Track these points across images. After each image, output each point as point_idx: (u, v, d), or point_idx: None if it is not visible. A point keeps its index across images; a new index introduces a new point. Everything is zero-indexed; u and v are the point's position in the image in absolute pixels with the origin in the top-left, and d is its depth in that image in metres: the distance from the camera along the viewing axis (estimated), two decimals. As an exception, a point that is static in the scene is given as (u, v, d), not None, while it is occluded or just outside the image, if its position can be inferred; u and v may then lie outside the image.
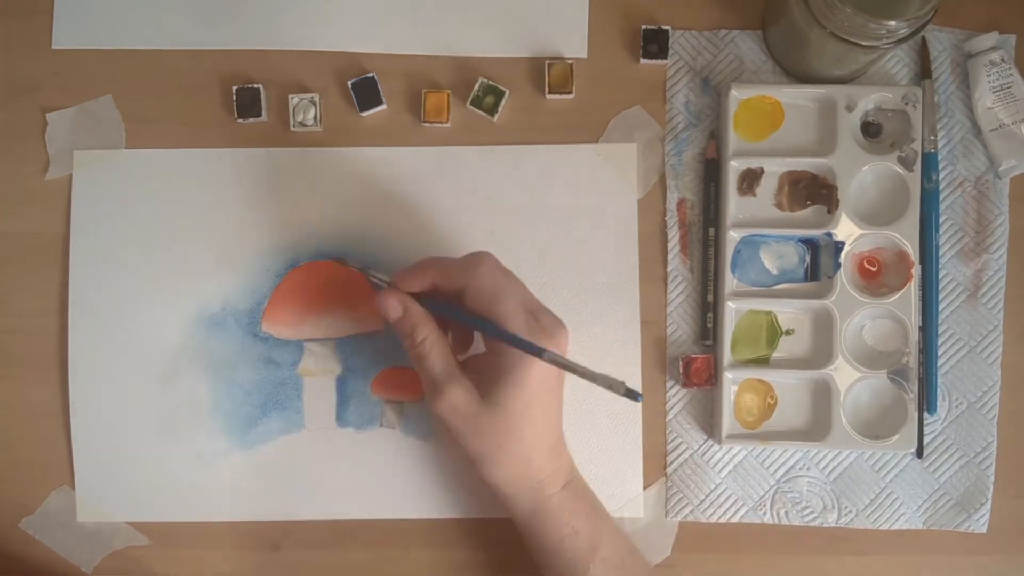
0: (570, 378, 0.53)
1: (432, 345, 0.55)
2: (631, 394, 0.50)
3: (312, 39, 0.64)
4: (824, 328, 0.62)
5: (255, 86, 0.63)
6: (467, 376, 0.55)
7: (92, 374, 0.63)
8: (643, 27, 0.63)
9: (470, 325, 0.57)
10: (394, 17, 0.64)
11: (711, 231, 0.63)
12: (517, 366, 0.53)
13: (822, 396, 0.62)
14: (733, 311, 0.63)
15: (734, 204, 0.63)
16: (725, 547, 0.63)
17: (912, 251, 0.62)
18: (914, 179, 0.62)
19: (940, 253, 0.63)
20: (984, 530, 0.63)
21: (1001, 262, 0.64)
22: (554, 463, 0.57)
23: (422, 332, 0.55)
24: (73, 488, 0.63)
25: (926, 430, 0.63)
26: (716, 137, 0.64)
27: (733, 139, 0.63)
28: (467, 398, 0.54)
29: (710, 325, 0.63)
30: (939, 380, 0.63)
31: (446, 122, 0.64)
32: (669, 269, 0.64)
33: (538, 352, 0.52)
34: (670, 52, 0.64)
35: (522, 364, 0.53)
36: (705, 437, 0.63)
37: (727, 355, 0.62)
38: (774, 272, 0.63)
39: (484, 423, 0.54)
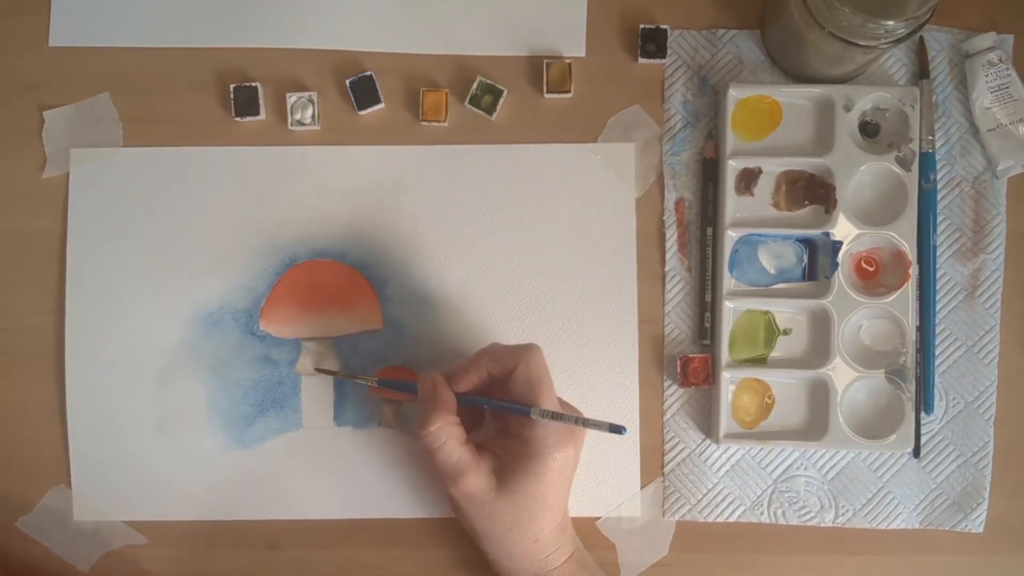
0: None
1: (448, 436, 0.55)
2: (615, 429, 0.52)
3: (310, 37, 0.64)
4: (822, 328, 0.62)
5: (253, 84, 0.63)
6: (484, 459, 0.56)
7: (89, 372, 0.63)
8: (641, 26, 0.63)
9: (501, 410, 0.57)
10: (392, 15, 0.64)
11: (709, 231, 0.63)
12: (541, 456, 0.55)
13: (819, 396, 0.62)
14: (731, 311, 0.63)
15: (732, 204, 0.63)
16: (722, 547, 0.63)
17: (910, 251, 0.62)
18: (912, 179, 0.62)
19: (938, 253, 0.63)
20: (981, 530, 0.63)
21: (998, 262, 0.64)
22: (559, 540, 0.58)
23: (436, 421, 0.55)
24: (70, 487, 0.63)
25: (923, 430, 0.63)
26: (714, 136, 0.64)
27: (731, 139, 0.63)
28: (482, 486, 0.55)
29: (708, 325, 0.63)
30: (936, 380, 0.63)
31: (444, 121, 0.64)
32: (667, 268, 0.64)
33: (584, 422, 0.54)
34: (668, 51, 0.64)
35: (546, 455, 0.55)
36: (702, 437, 0.63)
37: (725, 355, 0.62)
38: (772, 272, 0.63)
39: (498, 508, 0.56)
